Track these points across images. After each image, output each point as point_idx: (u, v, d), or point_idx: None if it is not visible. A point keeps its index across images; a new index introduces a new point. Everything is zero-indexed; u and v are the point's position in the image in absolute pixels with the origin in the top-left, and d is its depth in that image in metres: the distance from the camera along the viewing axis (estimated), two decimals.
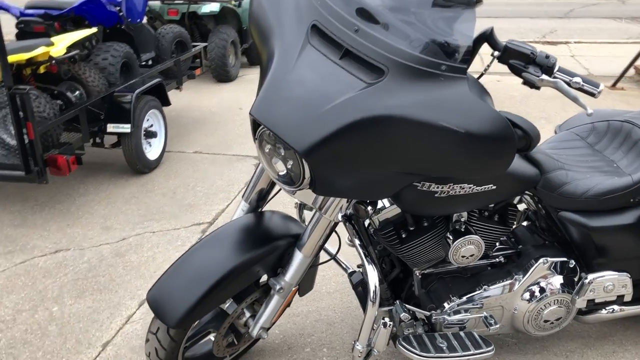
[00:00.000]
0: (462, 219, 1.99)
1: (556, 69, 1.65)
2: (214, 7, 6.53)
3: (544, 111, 5.54)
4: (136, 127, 3.97)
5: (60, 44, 3.64)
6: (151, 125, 4.32)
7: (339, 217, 1.84)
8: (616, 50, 8.43)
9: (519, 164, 1.91)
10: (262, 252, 1.87)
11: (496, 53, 1.70)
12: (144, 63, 4.92)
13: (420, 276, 2.09)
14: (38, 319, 2.62)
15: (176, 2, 6.67)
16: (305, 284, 2.14)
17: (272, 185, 2.10)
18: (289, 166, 1.64)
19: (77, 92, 3.88)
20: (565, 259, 2.14)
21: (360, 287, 2.29)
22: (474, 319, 2.10)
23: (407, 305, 2.07)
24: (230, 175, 4.21)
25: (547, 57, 1.65)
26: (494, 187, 1.81)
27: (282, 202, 3.28)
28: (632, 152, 2.17)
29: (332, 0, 1.63)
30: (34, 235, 3.37)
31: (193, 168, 4.35)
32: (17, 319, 2.63)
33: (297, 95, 1.54)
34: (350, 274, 2.36)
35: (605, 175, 2.09)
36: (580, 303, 2.13)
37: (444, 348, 2.00)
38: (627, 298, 2.19)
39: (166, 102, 4.51)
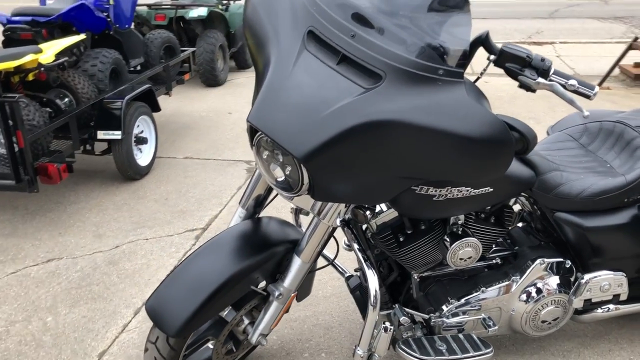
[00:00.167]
0: (459, 222, 2.00)
1: (552, 71, 1.66)
2: (202, 11, 6.51)
3: (532, 111, 5.59)
4: (127, 133, 3.95)
5: (48, 51, 3.61)
6: (141, 132, 4.29)
7: (337, 222, 1.83)
8: (601, 50, 8.52)
9: (515, 166, 1.92)
10: (261, 258, 1.86)
11: (492, 57, 1.71)
12: (132, 69, 4.89)
13: (418, 279, 2.09)
14: (32, 330, 2.59)
15: (163, 6, 6.65)
16: (303, 289, 2.14)
17: (269, 191, 2.10)
18: (288, 172, 1.64)
19: (67, 100, 3.85)
20: (561, 259, 2.16)
21: (357, 291, 2.29)
22: (472, 321, 2.11)
23: (405, 309, 2.08)
24: (222, 180, 4.19)
25: (543, 60, 1.66)
26: (491, 189, 1.82)
27: (275, 207, 3.27)
28: (625, 153, 2.20)
29: (327, 5, 1.63)
30: (25, 244, 3.33)
31: (184, 174, 4.33)
32: (11, 330, 2.60)
33: (295, 101, 1.54)
34: (348, 278, 2.36)
35: (599, 175, 2.11)
36: (577, 303, 2.15)
37: (444, 351, 2.01)
38: (623, 297, 2.21)
39: (156, 107, 4.48)
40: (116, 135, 3.87)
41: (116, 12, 4.72)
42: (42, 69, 3.53)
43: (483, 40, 1.71)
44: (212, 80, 6.72)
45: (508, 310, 2.14)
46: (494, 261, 2.18)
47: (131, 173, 4.10)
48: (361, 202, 1.74)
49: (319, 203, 1.78)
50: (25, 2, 5.35)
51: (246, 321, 2.05)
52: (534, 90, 1.69)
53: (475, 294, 2.10)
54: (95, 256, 3.19)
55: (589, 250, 2.12)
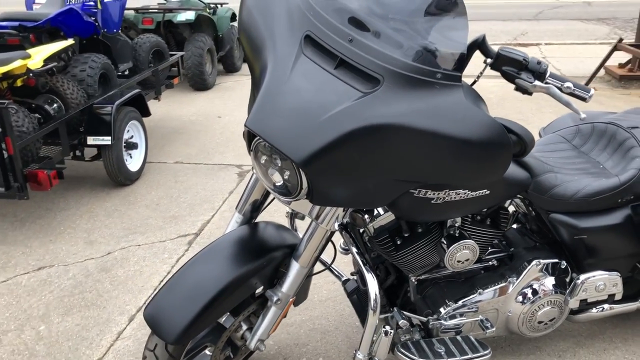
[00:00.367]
0: (456, 224, 2.01)
1: (548, 74, 1.68)
2: (190, 15, 6.49)
3: (520, 112, 5.63)
4: (117, 139, 3.92)
5: (37, 57, 3.57)
6: (131, 137, 4.27)
7: (335, 226, 1.83)
8: (586, 51, 8.61)
9: (510, 169, 1.93)
10: (259, 264, 1.86)
11: (489, 60, 1.72)
12: (120, 73, 4.86)
13: (416, 282, 2.10)
14: (25, 339, 2.56)
15: (151, 10, 6.61)
16: (300, 294, 2.13)
17: (265, 196, 2.09)
18: (286, 177, 1.64)
19: (55, 105, 3.81)
20: (556, 260, 2.17)
21: (355, 294, 2.29)
22: (470, 323, 2.12)
23: (403, 312, 2.08)
24: (214, 185, 4.17)
25: (539, 63, 1.67)
26: (488, 192, 1.83)
27: (268, 211, 3.25)
28: (618, 154, 2.22)
29: (324, 10, 1.63)
30: (15, 252, 3.29)
31: (175, 179, 4.30)
32: (3, 339, 2.56)
33: (293, 105, 1.54)
34: (344, 282, 2.36)
35: (593, 177, 2.13)
36: (573, 303, 2.17)
37: (442, 353, 2.01)
38: (618, 297, 2.23)
39: (146, 112, 4.46)
40: (106, 140, 3.84)
41: (104, 17, 4.69)
42: (31, 74, 3.49)
43: (479, 44, 1.72)
44: (200, 84, 6.70)
45: (505, 312, 2.15)
46: (490, 263, 2.19)
47: (121, 179, 4.07)
48: (360, 206, 1.74)
49: (317, 207, 1.78)
50: (12, 6, 5.29)
51: (244, 327, 2.04)
52: (530, 93, 1.70)
53: (472, 296, 2.11)
54: (87, 263, 3.16)
55: (584, 251, 2.14)
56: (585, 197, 2.06)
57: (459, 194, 1.77)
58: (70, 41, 3.96)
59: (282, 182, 1.67)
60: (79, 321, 2.67)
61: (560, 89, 1.68)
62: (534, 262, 2.12)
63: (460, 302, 2.09)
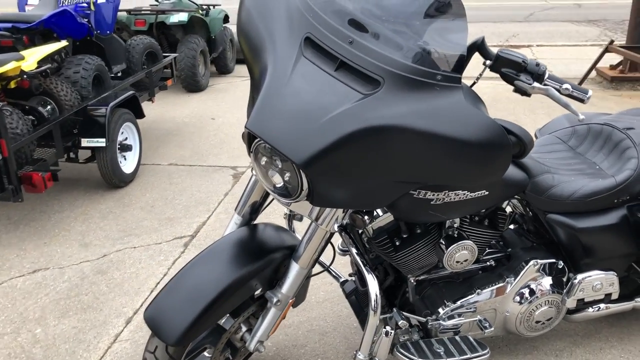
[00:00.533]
0: (455, 225, 2.02)
1: (546, 76, 1.69)
2: (183, 17, 6.48)
3: (513, 114, 5.66)
4: (111, 140, 3.91)
5: (30, 58, 3.56)
6: (125, 139, 4.25)
7: (335, 227, 1.84)
8: (577, 52, 8.67)
9: (509, 170, 1.94)
10: (259, 265, 1.86)
11: (488, 62, 1.73)
12: (113, 75, 4.84)
13: (415, 283, 2.10)
14: (21, 342, 2.54)
15: (143, 12, 6.59)
16: (298, 295, 2.13)
17: (264, 198, 2.09)
18: (286, 178, 1.64)
19: (49, 107, 3.79)
20: (553, 260, 2.19)
21: (353, 295, 2.30)
22: (468, 323, 2.13)
23: (403, 313, 2.09)
24: (209, 186, 4.17)
25: (538, 64, 1.69)
26: (487, 192, 1.84)
27: (264, 213, 3.25)
28: (613, 154, 2.24)
29: (324, 12, 1.64)
30: (9, 255, 3.27)
31: (169, 180, 4.29)
32: None
33: (293, 107, 1.54)
34: (343, 283, 2.37)
35: (589, 177, 2.15)
36: (571, 303, 2.18)
37: (441, 353, 2.02)
38: (614, 296, 2.25)
39: (140, 114, 4.44)
40: (100, 142, 3.83)
41: (97, 18, 4.68)
42: (25, 76, 3.48)
43: (479, 46, 1.74)
44: (193, 85, 6.68)
45: (503, 312, 2.16)
46: (488, 263, 2.20)
47: (116, 181, 4.05)
48: (360, 207, 1.75)
49: (317, 208, 1.79)
50: (3, 7, 5.26)
51: (244, 328, 2.04)
52: (529, 95, 1.72)
53: (470, 297, 2.12)
54: (82, 266, 3.15)
55: (581, 251, 2.16)
56: (582, 198, 2.08)
57: (458, 195, 1.78)
58: (64, 43, 3.95)
59: (282, 183, 1.67)
60: (75, 324, 2.66)
61: (558, 90, 1.70)
62: (532, 262, 2.14)
63: (458, 303, 2.10)
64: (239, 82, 7.29)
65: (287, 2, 1.72)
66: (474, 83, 1.77)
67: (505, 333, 2.24)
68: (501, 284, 2.14)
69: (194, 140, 5.15)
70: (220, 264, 1.86)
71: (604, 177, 2.14)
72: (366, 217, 1.86)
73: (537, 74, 1.69)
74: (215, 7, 7.41)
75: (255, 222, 2.10)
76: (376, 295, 1.83)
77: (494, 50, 1.75)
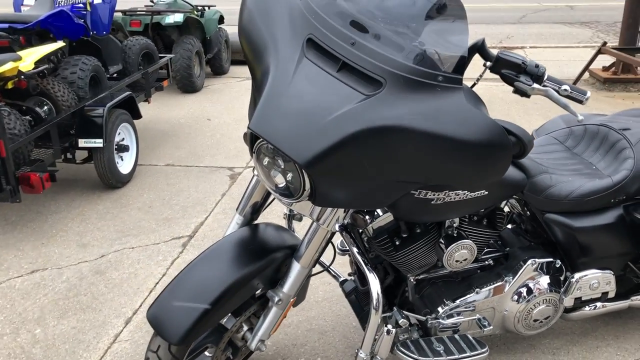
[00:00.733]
0: (454, 225, 2.03)
1: (545, 77, 1.72)
2: (178, 17, 6.47)
3: (508, 115, 5.70)
4: (108, 141, 3.91)
5: (28, 59, 3.55)
6: (122, 139, 4.25)
7: (336, 227, 1.85)
8: (570, 54, 8.73)
9: (508, 170, 1.96)
10: (261, 265, 1.87)
11: (488, 63, 1.75)
12: (109, 76, 4.83)
13: (414, 282, 2.12)
14: (21, 343, 2.55)
15: (139, 12, 6.59)
16: (299, 294, 2.15)
17: (265, 197, 2.11)
18: (289, 178, 1.65)
19: (46, 107, 3.79)
20: (551, 259, 2.21)
21: (353, 295, 2.32)
22: (467, 322, 2.15)
23: (403, 311, 2.11)
24: (206, 187, 4.17)
25: (537, 66, 1.71)
26: (486, 192, 1.86)
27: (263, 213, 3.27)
28: (610, 155, 2.27)
29: (326, 13, 1.65)
30: (7, 255, 3.27)
31: (166, 181, 4.30)
32: None
33: (296, 108, 1.55)
34: (342, 283, 2.38)
35: (586, 177, 2.18)
36: (568, 301, 2.21)
37: (441, 351, 2.04)
38: (611, 294, 2.28)
39: (137, 115, 4.44)
40: (98, 143, 3.83)
41: (93, 19, 4.67)
42: (22, 77, 3.48)
43: (479, 47, 1.76)
44: (189, 86, 6.68)
45: (501, 310, 2.18)
46: (486, 263, 2.22)
47: (113, 181, 4.06)
48: (361, 207, 1.76)
49: (318, 208, 1.80)
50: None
51: (245, 327, 2.05)
52: (528, 96, 1.74)
53: (469, 295, 2.14)
54: (80, 266, 3.15)
55: (578, 250, 2.18)
56: (580, 198, 2.10)
57: (458, 195, 1.79)
58: (61, 43, 3.94)
59: (284, 183, 1.68)
60: (74, 324, 2.66)
61: (557, 91, 1.72)
62: (530, 261, 2.16)
63: (457, 302, 2.13)
64: (234, 82, 7.30)
65: (289, 3, 1.73)
66: (474, 84, 1.79)
67: (504, 332, 2.26)
68: (499, 283, 2.16)
69: (190, 141, 5.16)
70: (223, 264, 1.87)
71: (600, 177, 2.17)
72: (367, 217, 1.88)
73: (537, 75, 1.71)
74: (210, 7, 7.41)
75: (256, 222, 2.11)
76: (378, 294, 1.84)
77: (494, 52, 1.77)
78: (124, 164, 4.25)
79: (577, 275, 2.19)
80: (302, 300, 2.28)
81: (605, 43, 6.77)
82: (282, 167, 1.65)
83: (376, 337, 1.95)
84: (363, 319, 2.22)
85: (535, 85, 1.70)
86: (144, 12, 6.58)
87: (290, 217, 2.32)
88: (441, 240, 2.00)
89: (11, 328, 2.64)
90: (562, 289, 2.21)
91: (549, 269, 2.21)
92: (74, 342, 2.55)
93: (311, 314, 2.70)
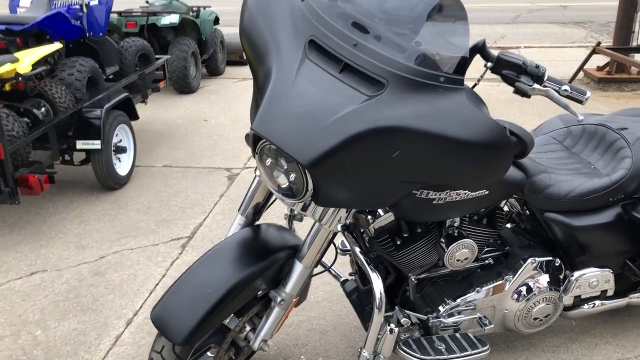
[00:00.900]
0: (455, 224, 2.05)
1: (546, 77, 1.73)
2: (174, 18, 6.47)
3: (503, 115, 5.72)
4: (106, 143, 3.91)
5: (25, 60, 3.55)
6: (120, 141, 4.25)
7: (338, 227, 1.86)
8: (564, 54, 8.78)
9: (509, 170, 1.98)
10: (263, 265, 1.88)
11: (489, 64, 1.77)
12: (106, 77, 4.83)
13: (415, 281, 2.14)
14: (22, 344, 2.54)
15: (134, 14, 6.58)
16: (301, 294, 2.16)
17: (267, 198, 2.12)
18: (292, 179, 1.66)
19: (43, 109, 3.78)
20: (550, 258, 2.23)
21: (354, 294, 2.33)
22: (468, 321, 2.16)
23: (405, 310, 2.12)
24: (204, 188, 4.18)
25: (537, 66, 1.73)
26: (487, 192, 1.88)
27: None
28: (608, 154, 2.29)
29: (328, 15, 1.66)
30: (6, 257, 3.26)
31: (164, 182, 4.30)
32: (0, 345, 2.54)
33: (299, 109, 1.56)
34: (343, 283, 2.40)
35: (585, 176, 2.20)
36: (568, 300, 2.23)
37: (443, 350, 2.05)
38: (610, 292, 2.30)
39: (134, 116, 4.44)
40: (96, 145, 3.83)
41: (90, 20, 4.66)
42: (20, 78, 3.47)
43: (480, 48, 1.77)
44: (185, 87, 6.68)
45: (502, 309, 2.20)
46: (486, 262, 2.24)
47: (111, 183, 4.05)
48: (364, 207, 1.78)
49: (321, 209, 1.81)
50: None
51: (248, 328, 2.06)
52: (529, 96, 1.75)
53: (469, 294, 2.16)
54: (80, 267, 3.15)
55: (577, 248, 2.20)
56: (578, 197, 2.12)
57: (459, 195, 1.81)
58: (58, 45, 3.94)
59: (287, 184, 1.69)
60: (75, 325, 2.66)
61: (558, 91, 1.74)
62: (529, 260, 2.18)
63: (458, 300, 2.14)
64: (229, 83, 7.30)
65: (290, 5, 1.74)
66: (475, 85, 1.80)
67: (504, 330, 2.28)
68: (500, 282, 2.18)
69: (188, 142, 5.16)
70: (226, 264, 1.88)
71: (599, 176, 2.19)
72: (369, 217, 1.89)
73: (537, 76, 1.72)
74: (206, 8, 7.41)
75: (258, 222, 2.12)
76: (381, 293, 1.86)
77: (495, 52, 1.78)
78: (122, 166, 4.24)
79: (576, 274, 2.21)
80: (303, 300, 2.29)
81: (599, 43, 6.81)
82: (285, 167, 1.66)
83: (379, 336, 1.96)
84: (364, 318, 2.23)
85: (536, 86, 1.71)
86: (139, 13, 6.57)
87: (291, 217, 2.33)
88: (442, 239, 2.01)
89: (12, 330, 2.64)
90: (561, 288, 2.23)
91: (549, 268, 2.23)
92: (76, 343, 2.55)
93: (312, 313, 2.71)
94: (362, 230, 2.11)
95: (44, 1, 4.35)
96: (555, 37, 10.58)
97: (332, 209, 1.80)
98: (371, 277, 1.88)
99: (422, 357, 2.01)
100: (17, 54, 3.60)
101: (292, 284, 1.92)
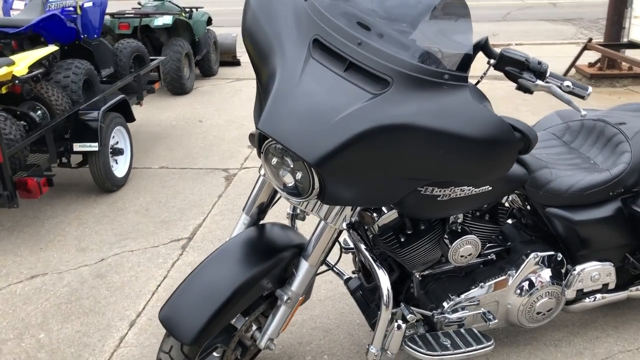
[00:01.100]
0: (458, 220, 2.07)
1: (548, 74, 1.75)
2: (167, 19, 6.46)
3: (499, 111, 5.74)
4: (103, 145, 3.90)
5: (21, 63, 3.53)
6: (117, 142, 4.24)
7: (344, 225, 1.88)
8: (555, 50, 8.84)
9: None
10: (269, 265, 1.89)
11: (492, 61, 1.78)
12: (101, 79, 4.81)
13: (420, 278, 2.15)
14: (25, 348, 2.54)
15: (127, 15, 6.56)
16: (306, 292, 2.17)
17: (272, 197, 2.12)
18: (298, 178, 1.67)
19: (40, 112, 3.77)
20: (552, 252, 2.25)
21: (358, 292, 2.34)
22: (472, 316, 2.18)
23: (410, 307, 2.13)
24: (202, 189, 4.18)
25: (540, 63, 1.75)
26: (490, 188, 1.90)
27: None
28: (607, 149, 2.32)
29: (332, 14, 1.67)
30: (6, 261, 3.25)
31: (162, 184, 4.29)
32: (3, 349, 2.53)
33: (304, 108, 1.57)
34: (347, 280, 2.41)
35: (585, 171, 2.22)
36: (570, 294, 2.25)
37: (448, 345, 2.07)
38: (611, 286, 2.33)
39: (130, 118, 4.44)
40: (93, 147, 3.82)
41: (84, 22, 4.65)
42: (17, 81, 3.46)
43: (483, 45, 1.79)
44: (179, 88, 6.67)
45: (505, 304, 2.22)
46: (489, 257, 2.26)
47: (108, 185, 4.04)
48: (369, 205, 1.79)
49: (326, 207, 1.82)
50: None
51: (254, 327, 2.07)
52: (531, 92, 1.78)
53: (473, 290, 2.18)
54: (81, 270, 3.14)
55: (578, 243, 2.23)
56: (579, 191, 2.15)
57: (463, 191, 1.83)
58: (54, 47, 3.92)
59: (293, 183, 1.70)
60: (78, 328, 2.66)
61: (560, 87, 1.76)
62: (532, 255, 2.20)
63: (462, 296, 2.16)
64: (223, 84, 7.30)
65: (293, 4, 1.75)
66: (478, 81, 1.82)
67: (508, 325, 2.30)
68: (502, 277, 2.20)
69: (184, 143, 5.15)
70: (232, 264, 1.89)
71: (599, 171, 2.22)
72: (374, 214, 1.90)
73: (540, 72, 1.74)
74: (198, 9, 7.40)
75: (263, 221, 2.13)
76: (388, 290, 1.87)
77: (497, 49, 1.80)
78: (119, 168, 4.23)
79: (578, 268, 2.24)
80: (307, 299, 2.29)
81: (590, 39, 6.87)
82: (291, 166, 1.67)
83: (386, 332, 1.98)
84: (369, 315, 2.24)
85: (539, 82, 1.73)
86: (132, 15, 6.55)
87: (294, 216, 2.33)
88: (446, 236, 2.03)
89: (14, 333, 2.63)
90: (563, 282, 2.25)
91: (551, 262, 2.26)
92: (80, 345, 2.54)
93: (315, 312, 2.72)
94: (366, 228, 2.12)
95: (38, 3, 4.34)
96: (546, 33, 10.65)
97: (337, 207, 1.81)
98: (378, 274, 1.89)
99: (428, 352, 2.03)
100: (13, 57, 3.59)
101: (298, 282, 1.93)
